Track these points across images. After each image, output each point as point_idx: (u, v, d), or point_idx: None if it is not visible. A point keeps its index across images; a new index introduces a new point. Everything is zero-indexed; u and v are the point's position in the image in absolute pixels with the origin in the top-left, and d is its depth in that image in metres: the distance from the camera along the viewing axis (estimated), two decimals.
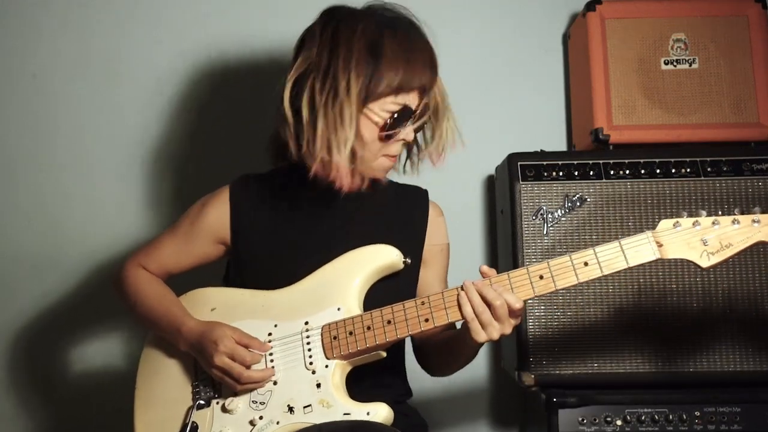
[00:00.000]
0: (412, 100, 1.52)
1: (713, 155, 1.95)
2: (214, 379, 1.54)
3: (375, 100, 1.49)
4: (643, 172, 1.95)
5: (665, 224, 1.41)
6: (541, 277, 1.42)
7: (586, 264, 1.41)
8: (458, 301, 1.43)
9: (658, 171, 1.94)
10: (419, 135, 1.61)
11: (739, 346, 1.88)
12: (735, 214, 1.39)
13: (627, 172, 1.95)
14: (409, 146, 1.62)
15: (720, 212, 1.41)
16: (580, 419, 1.83)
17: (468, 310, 1.42)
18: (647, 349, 1.89)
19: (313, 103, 1.49)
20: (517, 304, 1.41)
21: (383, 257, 1.54)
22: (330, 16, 1.56)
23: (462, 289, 1.44)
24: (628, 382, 1.89)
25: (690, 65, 2.11)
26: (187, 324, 1.56)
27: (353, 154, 1.49)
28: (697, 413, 1.82)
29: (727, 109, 2.09)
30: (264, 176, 1.67)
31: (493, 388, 2.35)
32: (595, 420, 1.83)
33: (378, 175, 1.58)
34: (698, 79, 2.10)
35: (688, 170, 1.94)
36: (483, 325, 1.42)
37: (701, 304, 1.90)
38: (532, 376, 1.90)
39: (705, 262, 1.39)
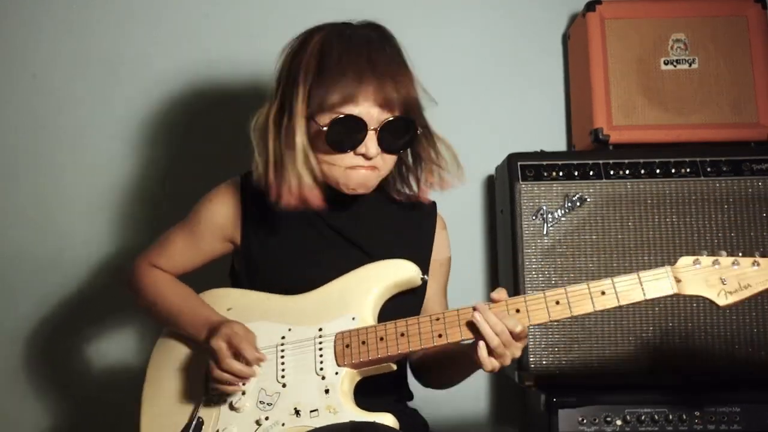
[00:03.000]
0: (366, 112, 1.48)
1: (713, 155, 1.95)
2: None
3: (326, 111, 1.47)
4: (643, 172, 1.95)
5: (685, 261, 1.42)
6: (557, 303, 1.42)
7: (603, 293, 1.41)
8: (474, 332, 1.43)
9: (658, 171, 1.95)
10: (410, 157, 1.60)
11: (739, 346, 1.88)
12: (756, 257, 1.40)
13: (627, 172, 1.95)
14: (398, 166, 1.60)
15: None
16: (580, 419, 1.83)
17: (482, 352, 1.42)
18: (648, 348, 1.89)
19: (268, 127, 1.50)
20: (517, 328, 1.40)
21: (403, 272, 1.54)
22: (297, 37, 1.56)
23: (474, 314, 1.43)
24: (628, 382, 1.89)
25: (690, 65, 2.11)
26: (212, 320, 1.54)
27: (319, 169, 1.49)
28: (697, 413, 1.83)
29: (727, 109, 2.09)
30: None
31: (493, 388, 2.35)
32: (595, 420, 1.83)
33: (349, 191, 1.54)
34: (698, 79, 2.10)
35: (688, 170, 1.94)
36: (495, 356, 1.41)
37: (701, 304, 1.90)
38: (533, 376, 1.90)
39: (722, 301, 1.40)
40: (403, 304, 1.54)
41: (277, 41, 2.43)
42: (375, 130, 1.48)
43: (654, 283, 1.40)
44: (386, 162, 1.54)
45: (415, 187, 1.61)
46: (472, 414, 2.34)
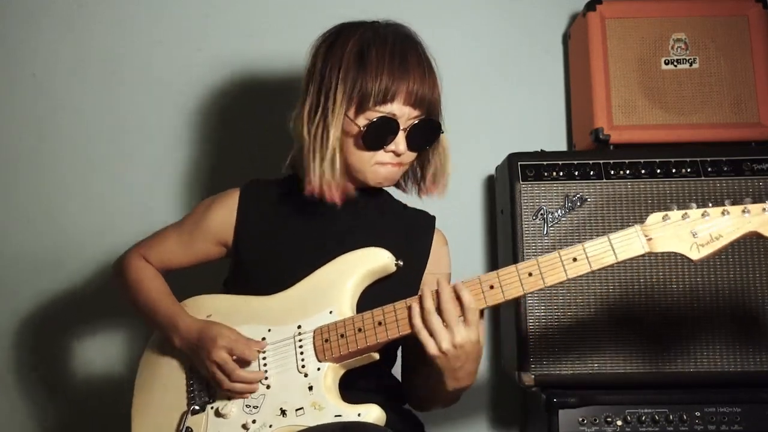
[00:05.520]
0: (399, 111, 1.52)
1: (713, 155, 1.95)
2: (208, 383, 1.55)
3: (361, 109, 1.51)
4: (643, 172, 1.94)
5: (654, 218, 1.39)
6: (530, 274, 1.40)
7: (574, 260, 1.39)
8: (408, 311, 1.43)
9: (658, 171, 1.94)
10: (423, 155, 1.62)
11: (739, 346, 1.88)
12: (726, 205, 1.37)
13: (627, 172, 1.95)
14: (412, 164, 1.62)
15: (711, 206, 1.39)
16: (581, 419, 1.83)
17: (416, 320, 1.41)
18: (648, 349, 1.89)
19: (303, 120, 1.54)
20: (471, 304, 1.39)
21: (375, 260, 1.54)
22: (332, 31, 1.60)
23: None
24: (629, 382, 1.88)
25: (690, 65, 2.11)
26: (184, 321, 1.57)
27: (343, 164, 1.53)
28: (698, 413, 1.82)
29: (728, 109, 2.09)
30: (273, 182, 1.68)
31: (493, 388, 2.35)
32: (595, 420, 1.83)
33: (375, 184, 1.59)
34: (698, 79, 2.10)
35: (689, 170, 1.94)
36: (432, 332, 1.40)
37: (702, 304, 1.89)
38: (532, 376, 1.90)
39: (695, 255, 1.37)
40: (382, 292, 1.54)
41: (277, 41, 2.44)
42: (405, 129, 1.53)
43: (625, 244, 1.38)
44: (409, 158, 1.59)
45: (407, 183, 1.66)
46: (472, 414, 2.34)
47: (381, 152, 1.54)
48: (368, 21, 1.60)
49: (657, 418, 1.82)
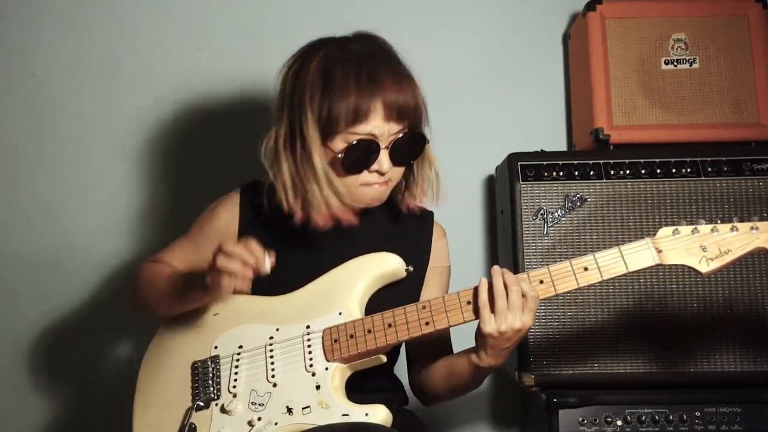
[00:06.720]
0: (379, 129, 1.48)
1: (713, 155, 1.95)
2: (213, 379, 1.54)
3: (334, 131, 1.47)
4: (643, 172, 1.94)
5: (665, 231, 1.43)
6: (542, 282, 1.44)
7: (585, 269, 1.43)
8: (476, 288, 1.45)
9: (658, 171, 1.94)
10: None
11: (739, 346, 1.88)
12: (734, 222, 1.42)
13: (627, 172, 1.95)
14: (405, 175, 1.60)
15: (719, 216, 1.44)
16: (581, 419, 1.83)
17: (484, 295, 1.43)
18: (648, 349, 1.89)
19: (279, 152, 1.51)
20: (531, 292, 1.42)
21: (386, 264, 1.55)
22: (299, 53, 1.56)
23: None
24: (629, 382, 1.88)
25: (690, 65, 2.11)
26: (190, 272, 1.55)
27: (323, 188, 1.50)
28: (698, 413, 1.82)
29: (727, 109, 2.09)
30: (273, 185, 1.66)
31: (493, 388, 2.35)
32: (595, 420, 1.83)
33: (363, 205, 1.57)
34: (698, 79, 2.10)
35: (689, 170, 1.94)
36: (495, 312, 1.42)
37: (702, 304, 1.89)
38: (532, 376, 1.90)
39: (704, 268, 1.41)
40: (390, 297, 1.55)
41: (277, 41, 2.43)
42: (387, 147, 1.50)
43: (635, 256, 1.43)
44: (397, 173, 1.56)
45: (401, 195, 1.63)
46: (472, 414, 2.34)
47: (365, 173, 1.51)
48: (337, 37, 1.56)
49: (657, 418, 1.83)
